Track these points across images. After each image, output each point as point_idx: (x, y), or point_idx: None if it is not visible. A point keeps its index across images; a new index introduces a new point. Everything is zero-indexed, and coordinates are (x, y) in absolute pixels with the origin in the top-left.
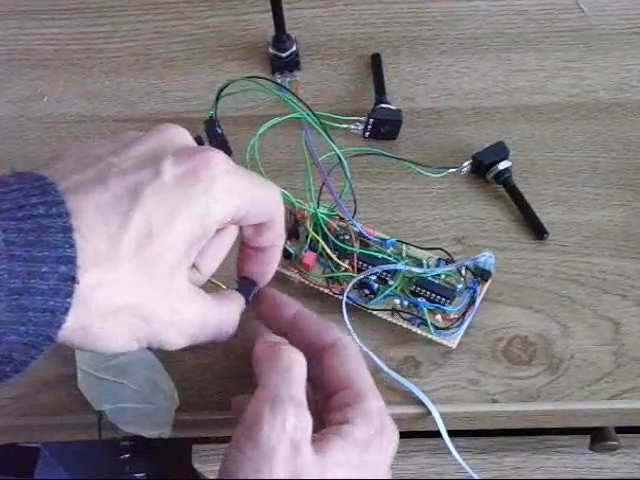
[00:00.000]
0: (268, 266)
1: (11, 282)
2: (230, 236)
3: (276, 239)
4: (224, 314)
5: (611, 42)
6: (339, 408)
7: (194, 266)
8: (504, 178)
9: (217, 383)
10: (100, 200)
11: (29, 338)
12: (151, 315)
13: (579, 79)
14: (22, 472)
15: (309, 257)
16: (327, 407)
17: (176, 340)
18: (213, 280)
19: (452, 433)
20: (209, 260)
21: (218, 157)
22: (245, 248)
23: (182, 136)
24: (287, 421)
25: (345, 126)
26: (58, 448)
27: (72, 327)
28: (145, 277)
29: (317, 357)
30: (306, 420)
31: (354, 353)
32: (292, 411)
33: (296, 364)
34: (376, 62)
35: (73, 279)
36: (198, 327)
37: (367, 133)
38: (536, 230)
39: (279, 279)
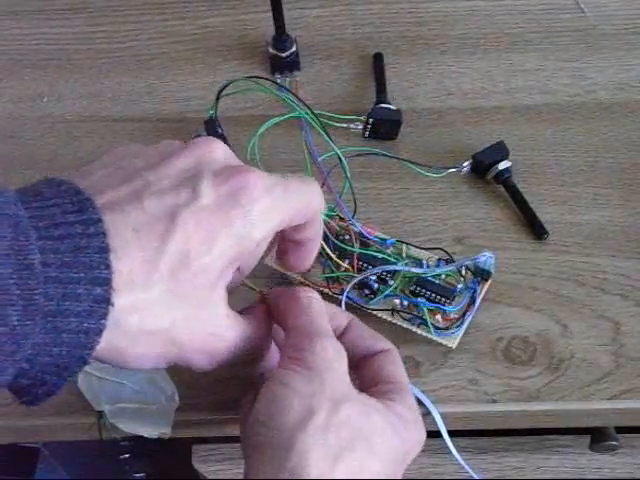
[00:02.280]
0: (307, 256)
1: (46, 305)
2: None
3: (316, 233)
4: (254, 342)
5: (611, 42)
6: (382, 394)
7: None
8: (504, 178)
9: (217, 383)
10: (137, 221)
11: (62, 360)
12: (181, 340)
13: (579, 79)
14: (22, 472)
15: None
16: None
17: (204, 366)
18: (246, 282)
19: (452, 433)
20: (249, 258)
21: (257, 177)
22: (284, 241)
23: (221, 152)
24: (326, 349)
25: (345, 125)
26: (58, 448)
27: (104, 348)
28: (178, 301)
29: (368, 358)
30: (340, 348)
31: (402, 363)
32: (327, 342)
33: (314, 300)
34: (378, 62)
35: (108, 301)
36: (227, 355)
37: (367, 133)
38: (536, 230)
39: (279, 279)
